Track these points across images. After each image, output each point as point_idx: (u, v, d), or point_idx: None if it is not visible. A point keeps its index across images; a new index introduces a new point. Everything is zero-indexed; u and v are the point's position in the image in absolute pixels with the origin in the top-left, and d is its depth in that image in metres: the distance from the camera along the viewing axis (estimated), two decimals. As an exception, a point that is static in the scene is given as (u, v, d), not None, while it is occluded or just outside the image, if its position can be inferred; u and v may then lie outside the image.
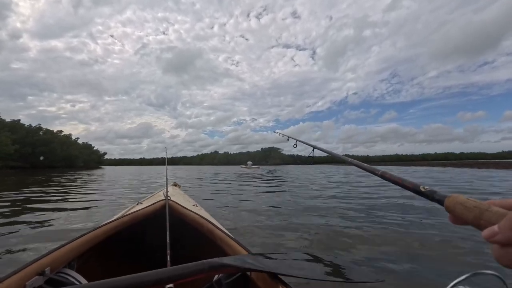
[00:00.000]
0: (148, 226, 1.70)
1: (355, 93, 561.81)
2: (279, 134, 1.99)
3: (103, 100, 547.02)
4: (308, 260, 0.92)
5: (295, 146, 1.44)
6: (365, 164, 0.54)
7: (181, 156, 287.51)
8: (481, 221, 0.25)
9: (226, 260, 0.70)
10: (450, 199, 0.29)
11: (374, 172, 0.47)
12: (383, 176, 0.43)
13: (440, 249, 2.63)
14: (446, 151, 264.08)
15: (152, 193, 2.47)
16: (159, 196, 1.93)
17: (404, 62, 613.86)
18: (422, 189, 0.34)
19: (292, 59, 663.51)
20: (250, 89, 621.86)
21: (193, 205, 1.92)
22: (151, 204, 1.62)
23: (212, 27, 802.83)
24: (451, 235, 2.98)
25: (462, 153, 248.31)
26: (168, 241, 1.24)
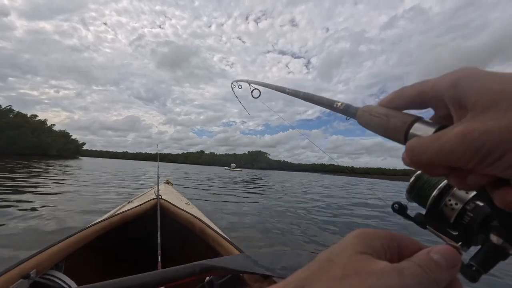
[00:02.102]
0: (139, 226, 1.60)
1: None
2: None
3: (90, 89, 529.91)
4: (300, 261, 0.88)
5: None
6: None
7: (166, 153, 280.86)
8: (386, 130, 0.23)
9: (218, 261, 0.68)
10: (362, 109, 0.27)
11: (298, 96, 0.48)
12: (305, 98, 0.45)
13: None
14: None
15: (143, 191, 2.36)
16: (151, 194, 1.92)
17: (393, 79, 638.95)
18: (336, 105, 0.33)
19: (287, 66, 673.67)
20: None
21: (186, 204, 1.89)
22: (142, 203, 1.60)
23: (210, 26, 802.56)
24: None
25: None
26: (159, 241, 1.24)
